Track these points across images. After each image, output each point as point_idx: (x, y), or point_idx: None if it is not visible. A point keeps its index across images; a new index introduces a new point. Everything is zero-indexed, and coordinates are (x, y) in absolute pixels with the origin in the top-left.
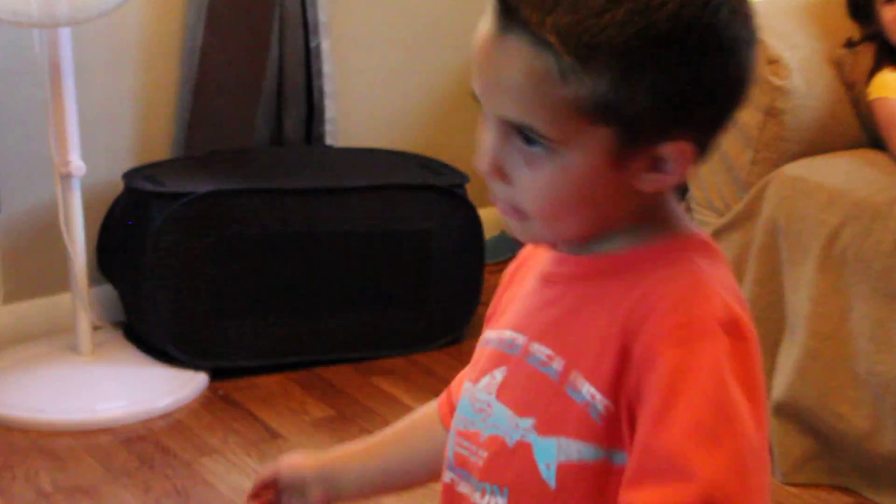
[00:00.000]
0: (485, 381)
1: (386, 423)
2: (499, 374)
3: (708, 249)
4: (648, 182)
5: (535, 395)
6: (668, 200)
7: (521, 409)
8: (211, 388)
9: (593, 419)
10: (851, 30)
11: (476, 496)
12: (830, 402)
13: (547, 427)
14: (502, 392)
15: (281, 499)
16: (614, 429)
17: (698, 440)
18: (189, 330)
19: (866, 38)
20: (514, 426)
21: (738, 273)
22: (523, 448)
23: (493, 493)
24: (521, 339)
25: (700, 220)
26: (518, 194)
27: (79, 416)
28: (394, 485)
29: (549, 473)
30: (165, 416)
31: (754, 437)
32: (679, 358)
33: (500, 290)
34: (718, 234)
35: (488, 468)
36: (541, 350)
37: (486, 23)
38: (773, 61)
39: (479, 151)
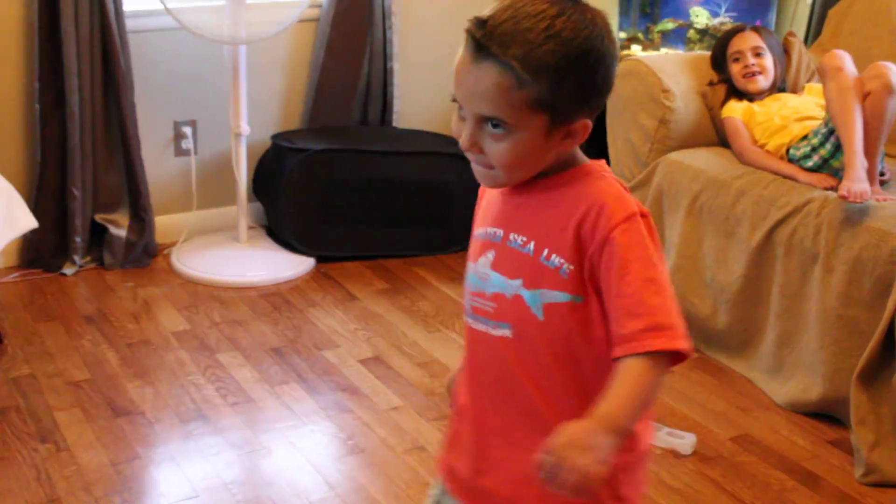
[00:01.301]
0: (482, 259)
1: (420, 295)
2: (490, 255)
3: (605, 169)
4: (566, 145)
5: (519, 265)
6: (575, 150)
7: (511, 274)
8: (317, 268)
9: (562, 276)
10: (712, 75)
11: (492, 330)
12: (688, 296)
13: (531, 283)
14: (495, 265)
15: None
16: (576, 282)
17: (647, 287)
18: (306, 232)
19: (721, 80)
20: (509, 285)
21: None
22: (518, 298)
23: (502, 327)
24: (500, 231)
25: None
26: (488, 158)
27: (237, 278)
28: None
29: (537, 310)
30: (288, 282)
31: (666, 273)
32: (625, 238)
33: (476, 208)
34: None
35: (497, 313)
36: (517, 237)
37: (462, 53)
38: (665, 90)
39: (459, 136)
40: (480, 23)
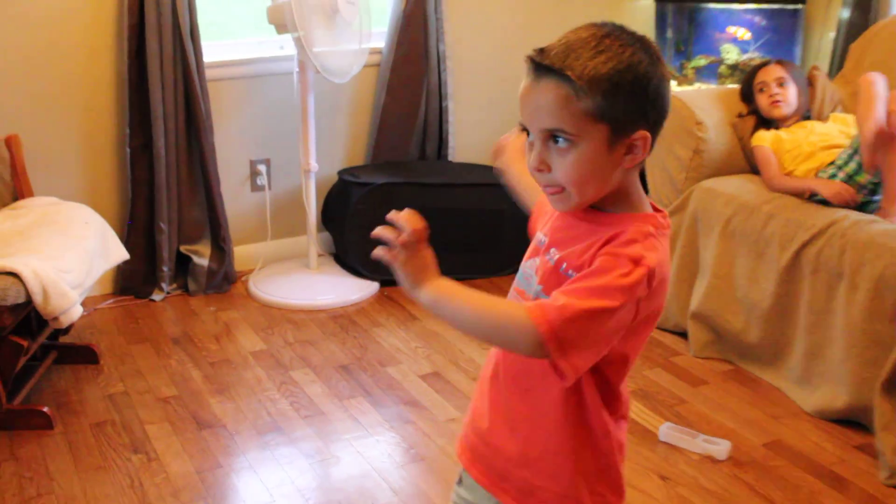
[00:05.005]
0: (530, 262)
1: None
2: (536, 260)
3: (656, 224)
4: (627, 161)
5: (545, 274)
6: (637, 188)
7: (539, 280)
8: (380, 291)
9: (566, 279)
10: (741, 107)
11: None
12: (722, 313)
13: (547, 290)
14: (537, 270)
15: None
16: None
17: (580, 293)
18: (370, 258)
19: (749, 112)
20: (535, 289)
21: (673, 241)
22: (538, 300)
23: None
24: (545, 241)
25: None
26: (557, 177)
27: (308, 302)
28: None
29: None
30: (355, 304)
31: (611, 314)
32: (605, 263)
33: (535, 209)
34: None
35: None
36: (554, 251)
37: (525, 80)
38: (699, 123)
39: (529, 161)
40: (539, 50)
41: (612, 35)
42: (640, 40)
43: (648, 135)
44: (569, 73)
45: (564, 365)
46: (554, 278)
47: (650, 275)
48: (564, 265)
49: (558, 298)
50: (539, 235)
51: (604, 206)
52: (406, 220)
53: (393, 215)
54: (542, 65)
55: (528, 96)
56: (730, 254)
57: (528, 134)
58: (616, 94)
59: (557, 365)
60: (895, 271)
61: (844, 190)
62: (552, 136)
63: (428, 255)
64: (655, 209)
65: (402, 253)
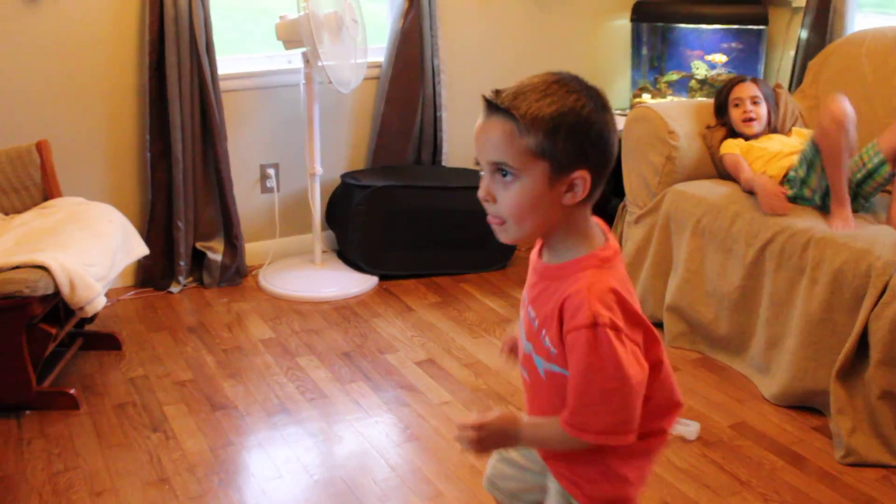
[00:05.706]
0: (521, 319)
1: (466, 306)
2: (522, 316)
3: (604, 261)
4: (567, 199)
5: (531, 334)
6: (586, 224)
7: (527, 338)
8: (379, 285)
9: (551, 354)
10: (710, 119)
11: (523, 372)
12: (694, 305)
13: (537, 352)
14: (523, 327)
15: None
16: (561, 360)
17: (587, 403)
18: (370, 255)
19: (720, 124)
20: (526, 345)
21: (648, 240)
22: (531, 357)
23: (524, 371)
24: (525, 299)
25: (630, 210)
26: (500, 208)
27: (314, 294)
28: None
29: (541, 371)
30: (356, 296)
31: (633, 371)
32: (580, 342)
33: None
34: (640, 219)
35: (523, 361)
36: (531, 311)
37: (480, 118)
38: (671, 132)
39: (479, 191)
40: (495, 92)
41: (561, 82)
42: (589, 89)
43: (588, 175)
44: (514, 111)
45: (622, 439)
46: (539, 344)
47: (612, 324)
48: (544, 332)
49: (571, 405)
50: (523, 296)
51: (554, 243)
52: (461, 436)
53: (456, 437)
54: (493, 104)
55: (481, 132)
56: (700, 251)
57: (481, 168)
58: (556, 133)
59: (621, 442)
60: (853, 266)
61: (777, 205)
62: (499, 169)
63: (494, 422)
64: (606, 233)
65: (481, 444)
